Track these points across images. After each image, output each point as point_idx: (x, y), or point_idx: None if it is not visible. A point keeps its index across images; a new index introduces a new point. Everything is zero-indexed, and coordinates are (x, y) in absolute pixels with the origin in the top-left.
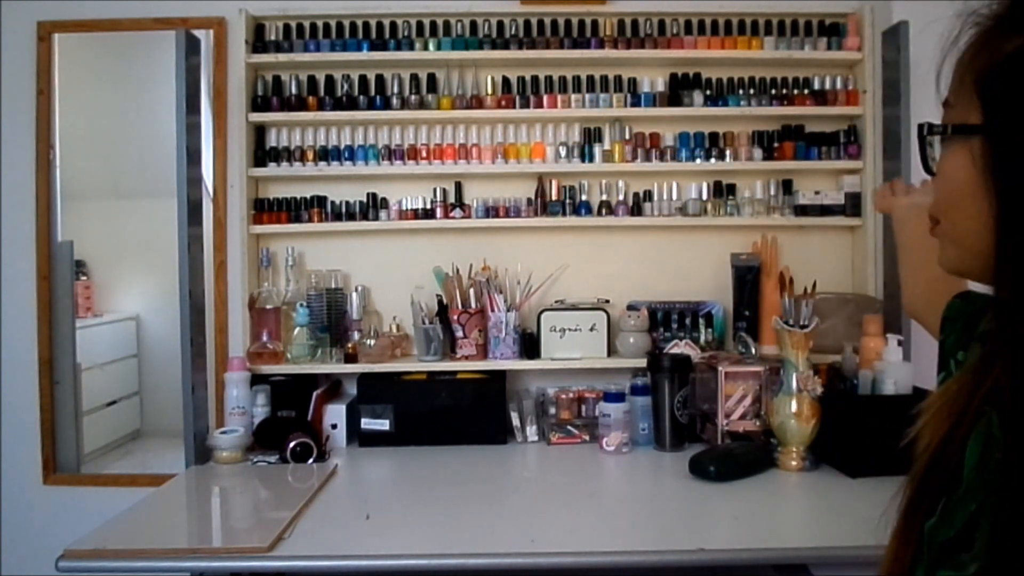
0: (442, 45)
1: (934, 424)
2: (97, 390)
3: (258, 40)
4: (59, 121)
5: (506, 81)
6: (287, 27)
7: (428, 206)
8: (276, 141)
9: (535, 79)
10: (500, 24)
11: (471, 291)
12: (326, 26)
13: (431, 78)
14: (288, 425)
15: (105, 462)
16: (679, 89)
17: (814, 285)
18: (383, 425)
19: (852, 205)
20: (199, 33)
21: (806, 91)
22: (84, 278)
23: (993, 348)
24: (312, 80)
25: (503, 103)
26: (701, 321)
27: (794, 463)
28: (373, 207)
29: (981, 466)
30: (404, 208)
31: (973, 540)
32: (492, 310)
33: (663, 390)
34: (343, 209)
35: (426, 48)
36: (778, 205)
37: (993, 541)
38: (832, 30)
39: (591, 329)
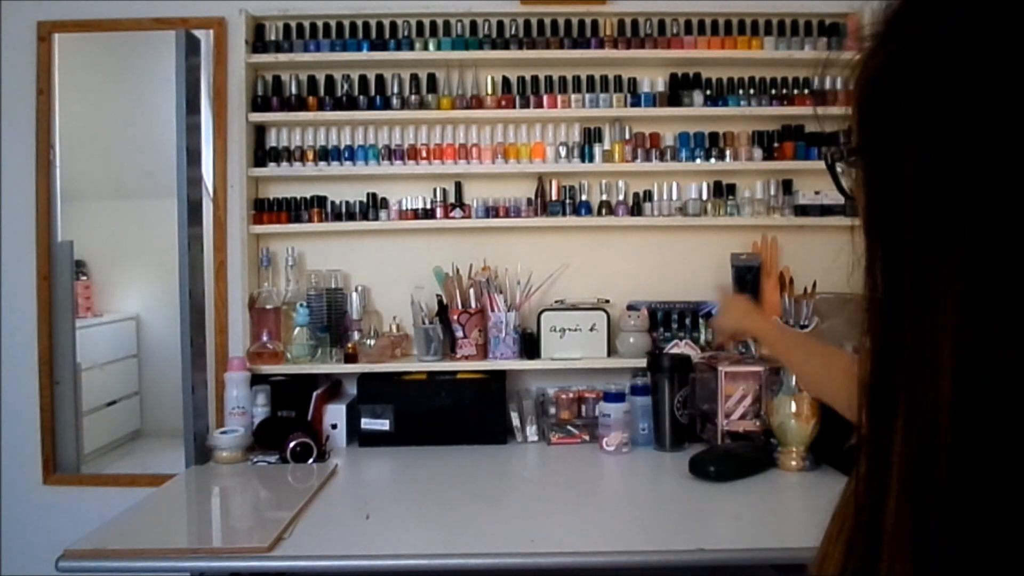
0: (442, 45)
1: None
2: (97, 390)
3: (258, 40)
4: (59, 121)
5: (506, 81)
6: (287, 27)
7: (428, 206)
8: (276, 141)
9: (535, 79)
10: (500, 24)
11: (471, 291)
12: (326, 26)
13: (431, 78)
14: (288, 425)
15: (105, 462)
16: (679, 89)
17: (814, 285)
18: (383, 425)
19: (852, 205)
20: (199, 33)
21: (806, 91)
22: (84, 278)
23: None
24: (312, 80)
25: (503, 103)
26: (701, 321)
27: (794, 463)
28: (373, 207)
29: None
30: (404, 208)
31: None
32: (492, 310)
33: (663, 390)
34: (343, 209)
35: (426, 48)
36: (778, 205)
37: None
38: (832, 30)
39: (591, 329)
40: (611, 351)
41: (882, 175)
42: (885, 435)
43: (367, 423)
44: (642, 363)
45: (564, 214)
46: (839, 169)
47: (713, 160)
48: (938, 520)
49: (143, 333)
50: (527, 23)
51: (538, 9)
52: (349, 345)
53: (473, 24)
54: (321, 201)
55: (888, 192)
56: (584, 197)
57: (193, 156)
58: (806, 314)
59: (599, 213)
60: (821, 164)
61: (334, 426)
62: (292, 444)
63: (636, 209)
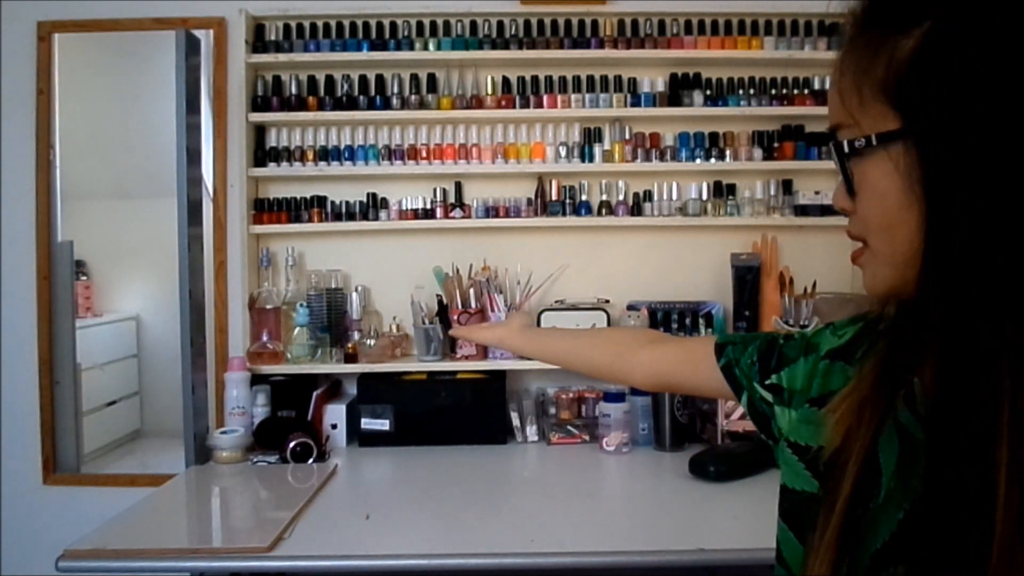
0: (442, 45)
1: (854, 431)
2: (97, 390)
3: (258, 40)
4: (59, 121)
5: (506, 81)
6: (287, 27)
7: (428, 206)
8: (276, 141)
9: (535, 79)
10: (500, 24)
11: (471, 291)
12: (326, 26)
13: (431, 78)
14: (288, 425)
15: (105, 462)
16: (679, 89)
17: (814, 285)
18: (383, 425)
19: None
20: (199, 33)
21: (806, 91)
22: (84, 278)
23: (908, 355)
24: (312, 80)
25: (503, 103)
26: (701, 321)
27: None
28: (373, 207)
29: (903, 471)
30: (404, 208)
31: (907, 550)
32: (492, 310)
33: None
34: (343, 209)
35: (426, 48)
36: (778, 205)
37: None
38: (832, 30)
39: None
40: None
41: (956, 146)
42: (987, 425)
43: (367, 423)
44: None
45: (564, 214)
46: (848, 163)
47: (713, 160)
48: None
49: (143, 333)
50: (527, 23)
51: (538, 9)
52: (349, 345)
53: (473, 24)
54: (321, 201)
55: (976, 158)
56: (584, 197)
57: (193, 156)
58: (806, 314)
59: (599, 213)
60: (821, 164)
61: (334, 426)
62: (292, 444)
63: (636, 209)
